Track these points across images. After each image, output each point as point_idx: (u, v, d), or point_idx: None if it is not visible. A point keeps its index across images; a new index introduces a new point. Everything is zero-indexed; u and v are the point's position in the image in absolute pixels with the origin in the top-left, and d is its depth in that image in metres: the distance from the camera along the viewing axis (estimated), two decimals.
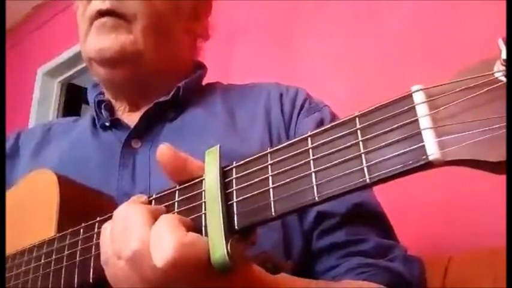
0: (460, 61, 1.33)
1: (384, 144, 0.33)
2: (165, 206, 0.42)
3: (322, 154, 0.35)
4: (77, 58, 2.86)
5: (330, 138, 0.35)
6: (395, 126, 0.32)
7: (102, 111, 0.76)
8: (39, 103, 3.00)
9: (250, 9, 1.97)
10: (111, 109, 0.78)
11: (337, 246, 0.62)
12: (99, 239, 0.46)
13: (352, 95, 1.53)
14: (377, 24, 1.57)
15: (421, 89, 0.32)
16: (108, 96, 0.80)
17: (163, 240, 0.37)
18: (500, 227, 0.42)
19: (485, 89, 0.30)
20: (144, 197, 0.45)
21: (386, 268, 0.59)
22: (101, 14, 0.70)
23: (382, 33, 1.55)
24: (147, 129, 0.73)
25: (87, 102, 0.85)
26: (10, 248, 0.57)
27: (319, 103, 0.75)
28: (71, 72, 3.04)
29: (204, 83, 0.84)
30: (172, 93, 0.74)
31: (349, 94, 1.54)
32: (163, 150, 0.42)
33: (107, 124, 0.76)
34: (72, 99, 3.08)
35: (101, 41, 0.70)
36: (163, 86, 0.76)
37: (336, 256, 0.62)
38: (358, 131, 0.34)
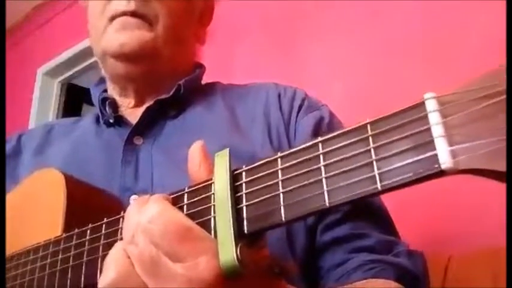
0: (459, 61, 1.34)
1: (395, 151, 0.33)
2: None
3: (333, 160, 0.35)
4: (77, 58, 2.87)
5: (341, 145, 0.35)
6: (408, 134, 0.32)
7: (107, 108, 0.77)
8: (39, 103, 3.00)
9: (250, 10, 1.98)
10: (115, 106, 0.79)
11: (341, 241, 0.63)
12: (106, 240, 0.47)
13: (352, 95, 1.54)
14: (376, 25, 1.58)
15: (434, 97, 0.32)
16: (112, 93, 0.81)
17: None
18: (500, 227, 0.42)
19: (496, 99, 0.31)
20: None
21: (393, 264, 0.60)
22: (125, 14, 0.72)
23: (381, 34, 1.56)
24: (148, 126, 0.74)
25: (87, 102, 0.86)
26: (16, 247, 0.57)
27: (317, 102, 0.76)
28: (71, 72, 3.04)
29: (204, 82, 0.85)
30: (173, 90, 0.75)
31: (348, 94, 1.55)
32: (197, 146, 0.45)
33: (111, 121, 0.77)
34: (72, 99, 3.08)
35: (122, 36, 0.72)
36: (167, 85, 0.77)
37: (342, 251, 0.62)
38: (370, 138, 0.34)
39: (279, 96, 0.76)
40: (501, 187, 0.32)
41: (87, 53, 2.81)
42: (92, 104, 0.86)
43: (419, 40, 1.45)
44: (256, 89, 0.79)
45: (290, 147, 0.68)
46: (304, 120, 0.72)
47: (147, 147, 0.71)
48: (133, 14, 0.72)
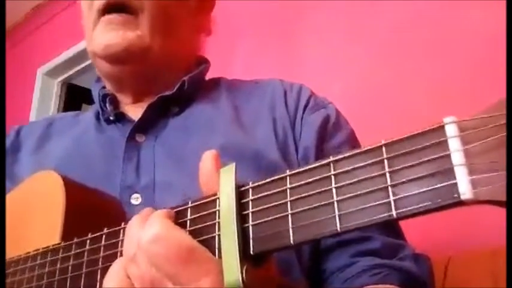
0: (458, 58, 1.32)
1: (412, 177, 0.31)
2: (176, 225, 0.41)
3: (345, 182, 0.34)
4: (77, 58, 2.85)
5: (354, 166, 0.34)
6: (426, 159, 0.31)
7: (107, 104, 0.75)
8: (39, 103, 3.00)
9: (250, 8, 1.97)
10: (115, 102, 0.76)
11: (347, 243, 0.61)
12: (106, 252, 0.45)
13: (351, 93, 1.53)
14: (375, 23, 1.57)
15: (454, 122, 0.31)
16: (111, 89, 0.79)
17: None
18: (500, 227, 0.41)
19: None
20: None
21: (398, 268, 0.59)
22: (110, 6, 0.69)
23: (380, 32, 1.55)
24: (151, 124, 0.72)
25: (87, 102, 0.84)
26: (13, 251, 0.56)
27: (324, 100, 0.75)
28: (71, 72, 3.03)
29: (208, 78, 0.83)
30: (177, 87, 0.73)
31: (348, 92, 1.54)
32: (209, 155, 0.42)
33: (111, 118, 0.75)
34: (72, 99, 3.08)
35: (107, 37, 0.70)
36: (167, 80, 0.74)
37: (347, 254, 0.61)
38: (385, 161, 0.32)
39: (285, 92, 0.74)
40: None
41: (87, 53, 2.79)
42: (92, 104, 0.84)
43: (418, 38, 1.43)
44: (262, 86, 0.78)
45: (296, 145, 0.68)
46: (311, 118, 0.70)
47: (149, 145, 0.70)
48: (117, 5, 0.69)
